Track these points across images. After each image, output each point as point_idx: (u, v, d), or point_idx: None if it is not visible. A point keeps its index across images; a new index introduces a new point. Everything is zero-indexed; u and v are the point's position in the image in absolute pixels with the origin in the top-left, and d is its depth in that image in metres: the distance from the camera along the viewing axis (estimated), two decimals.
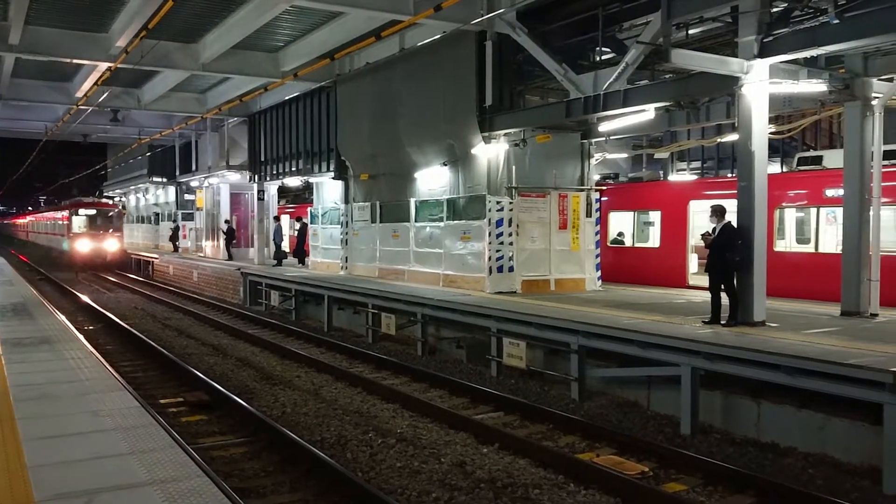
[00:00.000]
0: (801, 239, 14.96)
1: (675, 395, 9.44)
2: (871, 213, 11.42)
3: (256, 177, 28.24)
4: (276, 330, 17.64)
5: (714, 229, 10.78)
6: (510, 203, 15.47)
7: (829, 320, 11.03)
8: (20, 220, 76.42)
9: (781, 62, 10.46)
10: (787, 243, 15.01)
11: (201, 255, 32.50)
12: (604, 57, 15.51)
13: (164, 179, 39.35)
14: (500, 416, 10.02)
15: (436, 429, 9.26)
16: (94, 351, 9.47)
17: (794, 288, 13.56)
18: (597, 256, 16.53)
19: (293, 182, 26.99)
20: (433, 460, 8.09)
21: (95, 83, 22.96)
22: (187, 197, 36.35)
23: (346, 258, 21.27)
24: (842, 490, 7.29)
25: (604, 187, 18.26)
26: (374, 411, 10.14)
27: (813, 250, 14.29)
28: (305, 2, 15.78)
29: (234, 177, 29.85)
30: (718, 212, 10.75)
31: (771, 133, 11.85)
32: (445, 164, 17.21)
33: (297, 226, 27.20)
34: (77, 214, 37.26)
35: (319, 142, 23.78)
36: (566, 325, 11.05)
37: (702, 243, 11.46)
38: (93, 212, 37.72)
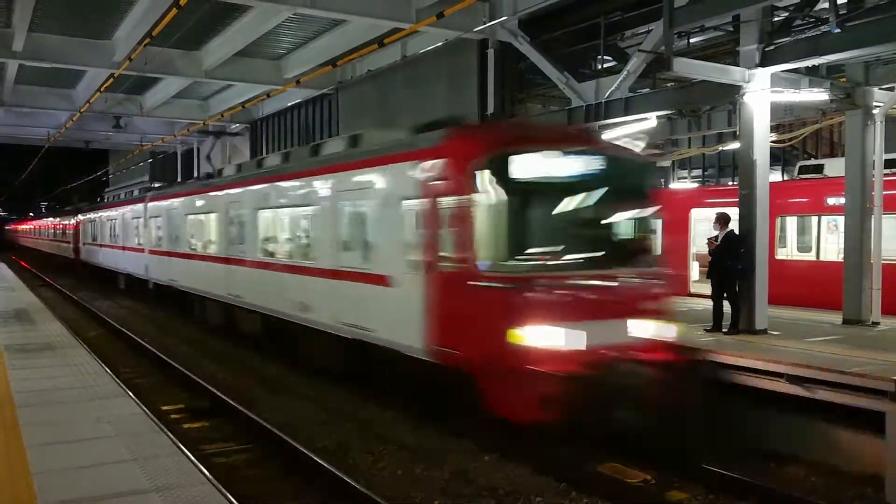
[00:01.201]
0: (803, 247, 14.96)
1: None
2: (873, 221, 11.43)
3: None
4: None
5: (717, 237, 10.79)
6: None
7: (831, 328, 11.02)
8: (46, 224, 45.74)
9: (783, 71, 10.50)
10: (788, 252, 15.02)
11: None
12: (605, 65, 15.58)
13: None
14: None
15: (437, 436, 9.24)
16: (97, 357, 9.48)
17: (795, 296, 13.57)
18: None
19: None
20: (435, 468, 8.08)
21: (98, 90, 23.04)
22: None
23: None
24: (845, 498, 7.29)
25: None
26: (376, 418, 10.13)
27: (814, 259, 14.30)
28: (308, 10, 15.86)
29: None
30: (722, 220, 10.77)
31: (772, 141, 11.89)
32: None
33: None
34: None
35: None
36: None
37: (703, 251, 11.47)
38: (598, 164, 8.65)
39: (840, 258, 12.29)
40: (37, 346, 10.11)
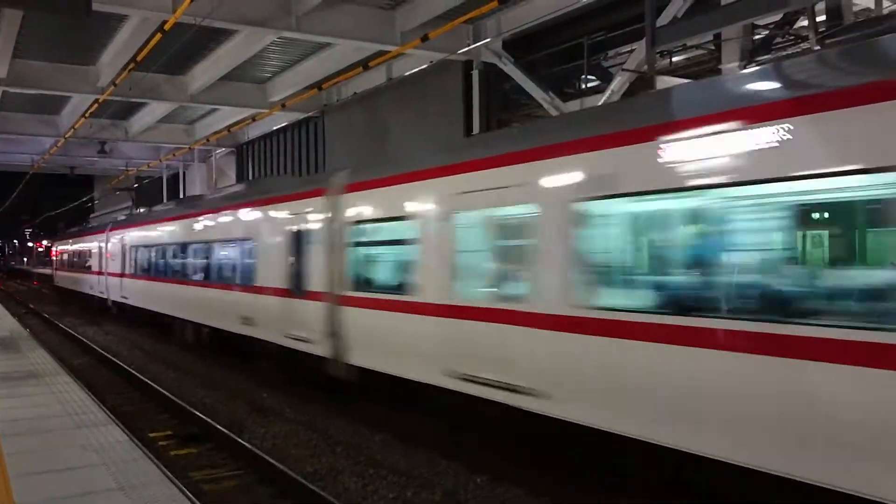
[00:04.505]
0: None
1: None
2: None
3: None
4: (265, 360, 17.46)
5: None
6: None
7: None
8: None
9: None
10: None
11: None
12: (590, 84, 15.72)
13: None
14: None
15: (428, 458, 9.18)
16: (82, 385, 9.38)
17: None
18: None
19: None
20: (426, 491, 8.01)
21: (83, 115, 23.00)
22: None
23: None
24: None
25: None
26: (366, 441, 10.06)
27: None
28: (292, 33, 15.94)
29: None
30: None
31: None
32: None
33: None
34: None
35: (308, 171, 23.86)
36: None
37: None
38: None
39: None
40: (21, 374, 9.99)
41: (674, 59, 13.91)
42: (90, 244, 28.80)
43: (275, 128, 26.59)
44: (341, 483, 8.29)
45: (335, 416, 11.53)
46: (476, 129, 16.03)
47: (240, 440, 9.62)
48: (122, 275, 23.38)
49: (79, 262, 31.30)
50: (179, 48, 18.54)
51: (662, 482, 6.75)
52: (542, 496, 7.72)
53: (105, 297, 26.01)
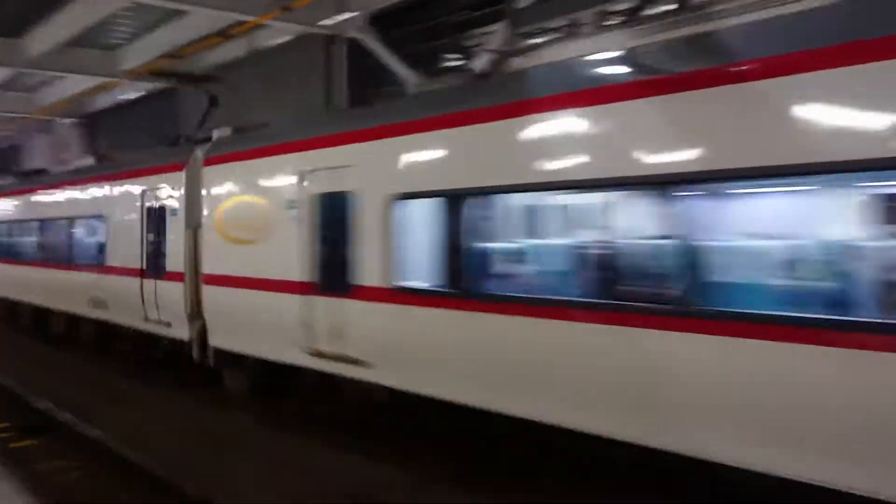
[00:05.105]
0: None
1: None
2: None
3: None
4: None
5: None
6: None
7: None
8: None
9: None
10: None
11: None
12: (455, 64, 15.85)
13: None
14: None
15: (291, 437, 9.07)
16: None
17: None
18: None
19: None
20: (287, 469, 7.92)
21: None
22: None
23: None
24: None
25: None
26: (221, 422, 9.81)
27: None
28: None
29: None
30: None
31: None
32: None
33: None
34: None
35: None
36: None
37: None
38: None
39: None
40: None
41: (536, 40, 14.25)
42: (106, 209, 14.36)
43: (126, 97, 25.15)
44: (197, 467, 8.05)
45: (189, 401, 11.15)
46: (343, 104, 15.80)
47: (83, 429, 9.12)
48: (303, 289, 8.80)
49: (62, 250, 16.08)
50: (16, 8, 17.16)
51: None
52: (409, 471, 7.80)
53: (179, 336, 11.32)
